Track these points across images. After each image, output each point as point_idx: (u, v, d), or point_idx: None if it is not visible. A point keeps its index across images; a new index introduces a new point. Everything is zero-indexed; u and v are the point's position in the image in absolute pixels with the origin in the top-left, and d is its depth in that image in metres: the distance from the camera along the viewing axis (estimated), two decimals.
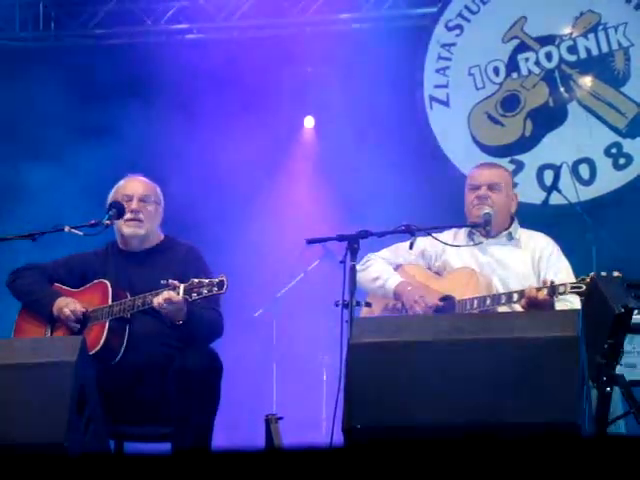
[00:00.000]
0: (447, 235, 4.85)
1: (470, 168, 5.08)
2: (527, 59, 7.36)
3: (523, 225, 4.93)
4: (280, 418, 4.52)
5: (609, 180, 7.14)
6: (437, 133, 7.47)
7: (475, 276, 4.67)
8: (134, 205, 4.71)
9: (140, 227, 4.72)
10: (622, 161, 7.16)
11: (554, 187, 6.53)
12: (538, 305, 4.41)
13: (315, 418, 6.99)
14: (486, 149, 7.40)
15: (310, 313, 7.07)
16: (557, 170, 6.63)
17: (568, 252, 4.85)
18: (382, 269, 4.83)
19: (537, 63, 7.35)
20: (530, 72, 7.37)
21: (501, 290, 4.65)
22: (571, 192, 6.59)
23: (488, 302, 4.55)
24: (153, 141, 7.43)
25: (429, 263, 4.88)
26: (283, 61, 7.65)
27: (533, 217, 5.70)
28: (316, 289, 6.98)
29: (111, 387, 4.40)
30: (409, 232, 4.50)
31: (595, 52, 7.25)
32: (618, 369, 3.84)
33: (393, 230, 4.53)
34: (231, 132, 7.42)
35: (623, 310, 3.71)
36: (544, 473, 2.53)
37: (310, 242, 4.56)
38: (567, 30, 7.29)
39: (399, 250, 4.89)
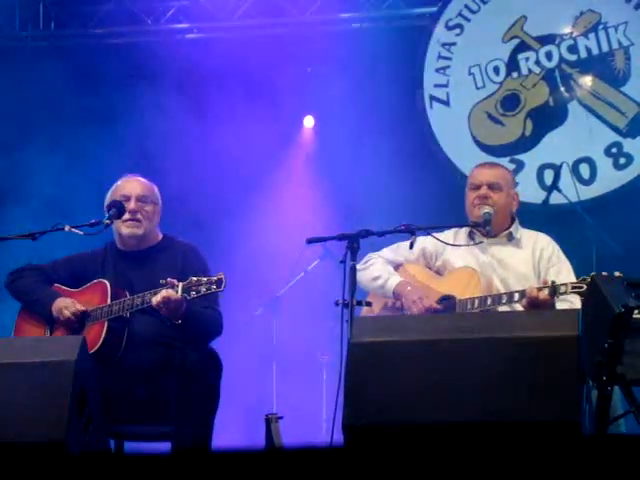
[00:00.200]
0: (447, 235, 4.84)
1: (470, 168, 5.07)
2: (527, 58, 7.36)
3: (523, 225, 4.92)
4: (280, 417, 4.52)
5: (609, 180, 7.14)
6: (437, 132, 7.47)
7: (476, 276, 4.67)
8: (132, 205, 4.71)
9: (138, 227, 4.72)
10: (622, 161, 7.16)
11: (554, 187, 6.53)
12: (539, 305, 4.41)
13: (315, 417, 6.99)
14: (486, 148, 7.40)
15: (310, 312, 7.07)
16: (557, 170, 6.63)
17: (568, 252, 4.85)
18: (382, 269, 4.83)
19: (537, 62, 7.35)
20: (530, 71, 7.37)
21: (502, 290, 4.65)
22: (571, 192, 6.59)
23: (489, 302, 4.55)
24: (153, 141, 7.42)
25: (429, 263, 4.88)
26: (283, 61, 7.64)
27: (533, 217, 5.70)
28: (316, 288, 6.98)
29: (111, 386, 4.40)
30: (409, 232, 4.50)
31: (595, 51, 7.25)
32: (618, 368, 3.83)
33: (393, 230, 4.53)
34: (230, 132, 7.42)
35: (623, 309, 3.70)
36: (544, 472, 2.53)
37: (310, 241, 4.55)
38: (567, 29, 7.29)
39: (400, 250, 4.89)
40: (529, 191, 6.98)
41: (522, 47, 7.37)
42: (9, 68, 7.82)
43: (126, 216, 4.70)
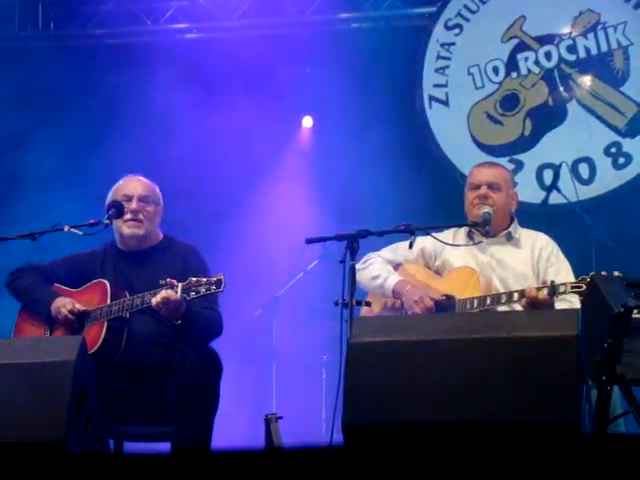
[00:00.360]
0: (447, 235, 4.84)
1: (469, 167, 5.07)
2: (526, 58, 7.36)
3: (523, 224, 4.92)
4: (280, 417, 4.52)
5: (609, 179, 7.14)
6: (436, 132, 7.47)
7: (475, 275, 4.67)
8: (134, 205, 4.71)
9: (140, 227, 4.72)
10: (621, 160, 7.16)
11: (554, 186, 6.53)
12: (538, 305, 4.41)
13: (315, 417, 6.99)
14: (485, 148, 7.40)
15: (310, 312, 7.08)
16: (557, 169, 6.63)
17: (568, 251, 4.85)
18: (382, 268, 4.83)
19: (536, 62, 7.35)
20: (529, 71, 7.37)
21: (501, 290, 4.65)
22: (571, 191, 6.59)
23: (488, 302, 4.55)
24: (152, 141, 7.42)
25: (429, 263, 4.88)
26: (282, 61, 7.64)
27: (533, 216, 5.71)
28: (316, 289, 6.99)
29: (110, 387, 4.40)
30: (409, 231, 4.50)
31: (594, 51, 7.25)
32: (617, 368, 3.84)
33: (393, 229, 4.53)
34: (229, 132, 7.42)
35: (622, 309, 3.70)
36: (544, 472, 2.53)
37: (309, 241, 4.55)
38: (566, 29, 7.29)
39: (399, 249, 4.89)
40: (528, 191, 6.98)
41: (521, 47, 7.37)
42: (9, 68, 7.81)
43: (127, 216, 4.70)
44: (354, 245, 4.35)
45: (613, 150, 7.17)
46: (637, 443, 2.55)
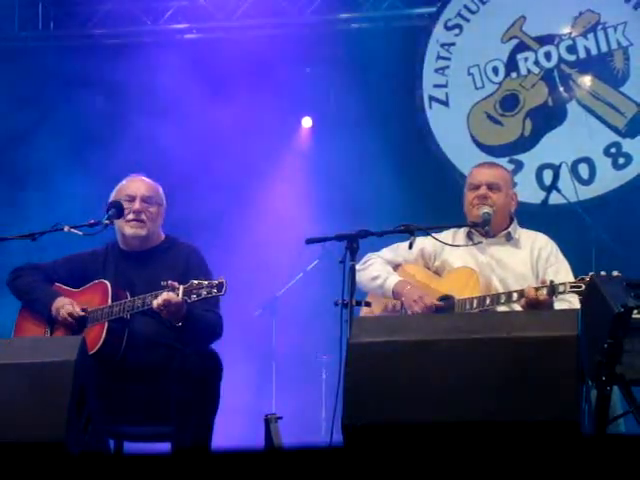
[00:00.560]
0: (446, 235, 4.84)
1: (469, 168, 5.07)
2: (526, 59, 7.36)
3: (522, 225, 4.92)
4: (279, 418, 4.52)
5: (608, 180, 7.14)
6: (436, 133, 7.47)
7: (475, 276, 4.67)
8: (137, 205, 4.71)
9: (142, 228, 4.72)
10: (621, 161, 7.16)
11: (553, 187, 6.53)
12: (538, 305, 4.41)
13: (314, 417, 6.99)
14: (485, 149, 7.40)
15: (309, 313, 7.08)
16: (556, 170, 6.63)
17: (567, 252, 4.85)
18: (381, 268, 4.83)
19: (536, 63, 7.35)
20: (529, 72, 7.37)
21: (500, 290, 4.65)
22: (570, 192, 6.59)
23: (488, 302, 4.55)
24: (152, 141, 7.42)
25: (428, 263, 4.88)
26: (282, 61, 7.65)
27: (532, 217, 5.70)
28: (315, 289, 6.99)
29: (111, 387, 4.40)
30: (408, 232, 4.49)
31: (594, 52, 7.25)
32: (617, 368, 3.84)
33: (392, 230, 4.53)
34: (229, 132, 7.42)
35: (622, 309, 3.70)
36: (544, 472, 2.53)
37: (309, 242, 4.55)
38: (566, 30, 7.30)
39: (399, 250, 4.89)
40: (528, 191, 6.98)
41: (521, 47, 7.38)
42: (8, 68, 7.81)
43: (130, 216, 4.69)
44: (354, 245, 4.35)
45: (613, 150, 7.17)
46: (637, 443, 2.55)
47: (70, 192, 7.24)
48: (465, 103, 7.47)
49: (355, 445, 3.32)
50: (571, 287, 4.43)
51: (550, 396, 3.24)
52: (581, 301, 4.39)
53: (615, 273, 4.19)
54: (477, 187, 4.79)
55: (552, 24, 7.34)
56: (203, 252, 4.83)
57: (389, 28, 7.64)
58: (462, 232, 4.85)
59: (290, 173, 7.64)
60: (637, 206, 6.90)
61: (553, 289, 4.44)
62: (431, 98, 7.52)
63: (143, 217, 4.71)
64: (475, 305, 4.57)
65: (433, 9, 7.56)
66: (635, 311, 3.73)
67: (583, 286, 4.36)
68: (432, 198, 7.01)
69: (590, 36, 7.25)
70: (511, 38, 7.40)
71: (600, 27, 7.23)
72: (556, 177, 6.55)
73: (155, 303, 4.40)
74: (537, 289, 4.45)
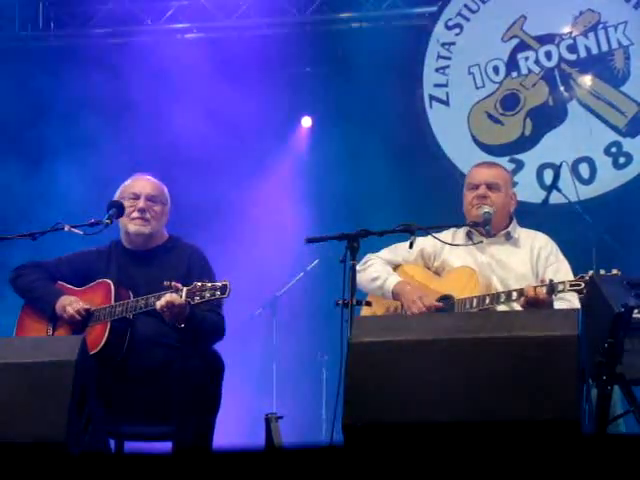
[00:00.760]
0: (446, 235, 4.84)
1: (470, 167, 5.07)
2: (527, 58, 7.37)
3: (523, 224, 4.92)
4: (280, 417, 4.52)
5: (609, 179, 7.14)
6: (437, 132, 7.48)
7: (475, 275, 4.67)
8: (141, 204, 4.71)
9: (145, 226, 4.72)
10: (622, 160, 7.16)
11: (554, 186, 6.53)
12: (537, 304, 4.41)
13: (315, 417, 6.99)
14: (486, 148, 7.40)
15: (310, 312, 7.08)
16: (557, 169, 6.62)
17: (568, 251, 4.85)
18: (381, 269, 4.82)
19: (537, 62, 7.35)
20: (530, 71, 7.37)
21: (500, 290, 4.64)
22: (571, 191, 6.58)
23: (487, 301, 4.55)
24: (152, 140, 7.42)
25: (428, 263, 4.88)
26: (282, 60, 7.65)
27: (533, 216, 5.70)
28: (316, 288, 6.99)
29: (112, 387, 4.40)
30: (409, 231, 4.49)
31: (595, 51, 7.25)
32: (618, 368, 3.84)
33: (393, 229, 4.52)
34: (229, 132, 7.42)
35: (623, 309, 3.70)
36: (544, 471, 2.53)
37: (309, 241, 4.55)
38: (567, 29, 7.30)
39: (398, 250, 4.89)
40: (529, 191, 6.98)
41: (522, 47, 7.38)
42: (9, 68, 7.81)
43: (134, 214, 4.70)
44: (354, 245, 4.35)
45: (613, 150, 7.17)
46: (637, 443, 2.55)
47: (70, 191, 7.24)
48: (465, 102, 7.47)
49: (355, 445, 3.32)
50: (570, 286, 4.43)
51: (550, 396, 3.24)
52: (581, 300, 4.39)
53: (614, 271, 4.19)
54: (476, 187, 4.79)
55: (552, 23, 7.34)
56: (204, 251, 4.83)
57: (389, 27, 7.64)
58: (462, 232, 4.84)
59: (290, 173, 7.64)
60: (637, 206, 6.90)
61: (552, 288, 4.44)
62: (431, 97, 7.52)
63: (147, 215, 4.72)
64: (475, 304, 4.57)
65: (434, 8, 7.56)
66: (636, 311, 3.73)
67: (582, 285, 4.36)
68: (432, 197, 7.00)
69: (591, 35, 7.25)
70: (512, 37, 7.40)
71: (601, 26, 7.23)
72: (556, 177, 6.54)
73: (158, 304, 4.40)
74: (536, 288, 4.45)
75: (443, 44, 7.52)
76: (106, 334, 4.53)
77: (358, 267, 4.49)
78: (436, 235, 4.72)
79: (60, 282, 4.78)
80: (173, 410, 4.40)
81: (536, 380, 3.27)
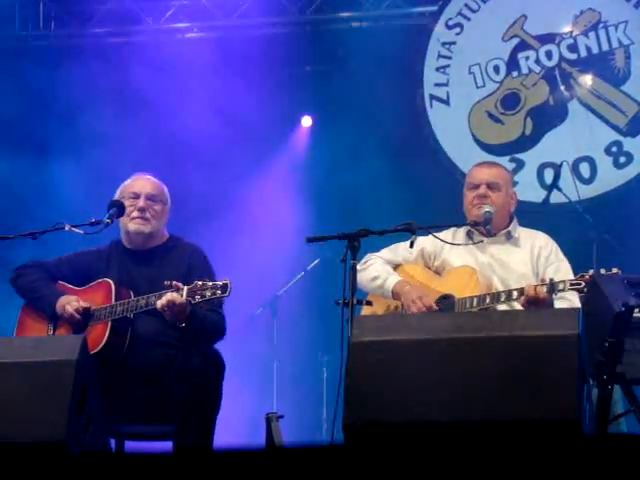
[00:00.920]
0: (446, 234, 4.84)
1: (470, 166, 5.07)
2: (527, 57, 7.36)
3: (523, 224, 4.92)
4: (281, 417, 4.52)
5: (610, 179, 7.14)
6: (437, 131, 7.47)
7: (475, 275, 4.67)
8: (141, 203, 4.72)
9: (145, 225, 4.73)
10: (622, 159, 7.16)
11: (554, 186, 6.52)
12: (538, 303, 4.41)
13: (315, 417, 6.99)
14: (486, 147, 7.40)
15: (310, 312, 7.08)
16: (557, 169, 6.62)
17: (568, 251, 4.85)
18: (381, 269, 4.82)
19: (537, 61, 7.35)
20: (530, 70, 7.37)
21: (501, 289, 4.64)
22: (571, 191, 6.58)
23: (488, 300, 4.55)
24: (152, 140, 7.42)
25: (428, 263, 4.88)
26: (282, 59, 7.65)
27: (533, 216, 5.70)
28: (316, 288, 6.99)
29: (113, 386, 4.40)
30: (409, 230, 4.49)
31: (595, 50, 7.25)
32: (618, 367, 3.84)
33: (393, 229, 4.52)
34: (230, 131, 7.42)
35: (623, 308, 3.71)
36: (545, 471, 2.53)
37: (310, 241, 4.55)
38: (567, 28, 7.29)
39: (399, 250, 4.89)
40: (529, 190, 6.98)
41: (522, 46, 7.37)
42: (9, 67, 7.81)
43: (134, 213, 4.70)
44: (355, 244, 4.34)
45: (614, 149, 7.17)
46: (638, 443, 2.55)
47: (71, 189, 7.24)
48: (466, 102, 7.46)
49: (356, 444, 3.32)
50: (571, 285, 4.43)
51: (551, 395, 3.24)
52: (582, 300, 4.40)
53: (615, 270, 4.19)
54: (477, 186, 4.79)
55: (553, 23, 7.33)
56: (204, 250, 4.83)
57: (390, 27, 7.64)
58: (462, 231, 4.84)
59: (290, 172, 7.64)
60: (638, 205, 6.90)
61: (553, 287, 4.44)
62: (432, 97, 7.51)
63: (147, 215, 4.72)
64: (475, 304, 4.57)
65: (434, 8, 7.55)
66: (636, 310, 3.74)
67: (583, 284, 4.37)
68: (433, 197, 7.00)
69: (591, 35, 7.24)
70: (512, 37, 7.39)
71: (601, 26, 7.23)
72: (557, 176, 6.54)
73: (159, 304, 4.40)
74: (537, 287, 4.45)
75: (443, 43, 7.51)
76: (107, 334, 4.53)
77: (358, 266, 4.49)
78: (436, 234, 4.72)
79: (61, 282, 4.79)
80: (174, 410, 4.40)
81: (536, 380, 3.27)
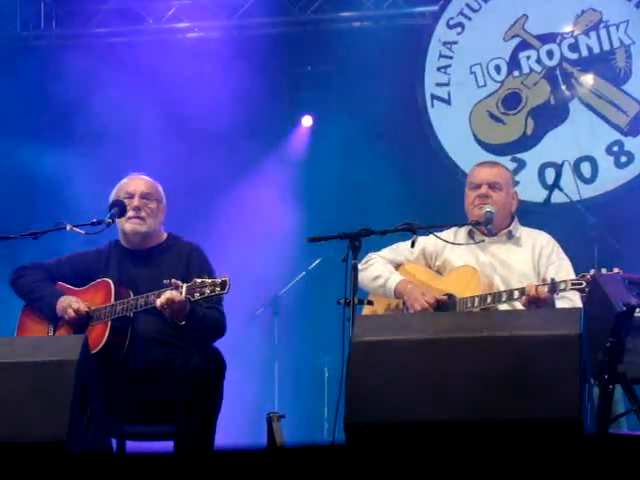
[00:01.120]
0: (447, 234, 4.84)
1: (471, 166, 5.07)
2: (528, 57, 7.36)
3: (524, 223, 4.92)
4: (282, 416, 4.52)
5: (611, 178, 7.14)
6: (438, 131, 7.47)
7: (476, 274, 4.67)
8: (136, 202, 4.72)
9: (141, 224, 4.73)
10: (624, 159, 7.16)
11: (556, 185, 6.52)
12: (539, 302, 4.41)
13: (317, 416, 6.99)
14: (487, 147, 7.40)
15: (312, 311, 7.08)
16: (559, 168, 6.62)
17: (570, 250, 4.85)
18: (383, 268, 4.82)
19: (538, 61, 7.35)
20: (531, 70, 7.37)
21: (502, 289, 4.64)
22: (573, 190, 6.58)
23: (489, 300, 4.55)
24: (152, 139, 7.42)
25: (429, 262, 4.88)
26: (283, 59, 7.65)
27: (535, 215, 5.70)
28: (317, 287, 6.99)
29: (113, 386, 4.40)
30: (410, 230, 4.49)
31: (596, 50, 7.25)
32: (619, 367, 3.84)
33: (394, 228, 4.53)
34: (231, 131, 7.42)
35: (625, 308, 3.70)
36: (546, 471, 2.53)
37: (311, 240, 4.55)
38: (568, 28, 7.29)
39: (400, 249, 4.89)
40: (530, 190, 6.98)
41: (523, 46, 7.37)
42: (10, 67, 7.81)
43: (130, 213, 4.71)
44: (356, 244, 4.35)
45: (615, 149, 7.17)
46: (639, 442, 2.55)
47: (80, 191, 7.24)
48: (467, 101, 7.46)
49: (357, 444, 3.32)
50: (572, 285, 4.43)
51: (552, 395, 3.24)
52: (583, 299, 4.40)
53: (616, 270, 4.19)
54: (478, 186, 4.79)
55: (554, 22, 7.33)
56: (205, 250, 4.83)
57: (391, 26, 7.64)
58: (463, 231, 4.84)
59: (291, 171, 7.64)
60: (639, 204, 6.89)
61: (554, 286, 4.44)
62: (433, 97, 7.51)
63: (142, 214, 4.72)
64: (476, 303, 4.57)
65: (435, 7, 7.55)
66: (637, 309, 3.74)
67: (584, 283, 4.37)
68: (434, 197, 7.00)
69: (592, 34, 7.24)
70: (513, 36, 7.39)
71: (602, 25, 7.22)
72: (558, 176, 6.54)
73: (158, 302, 4.40)
74: (538, 287, 4.45)
75: (445, 43, 7.51)
76: (107, 333, 4.53)
77: (360, 266, 4.49)
78: (438, 234, 4.73)
79: (60, 283, 4.79)
80: (174, 409, 4.40)
81: (538, 379, 3.27)
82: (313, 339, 7.12)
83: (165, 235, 4.84)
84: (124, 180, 4.85)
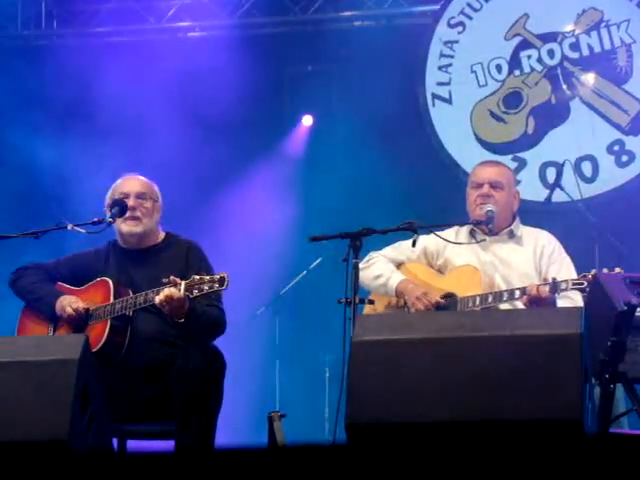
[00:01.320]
0: (449, 233, 4.84)
1: (473, 165, 5.07)
2: (529, 56, 7.36)
3: (526, 222, 4.92)
4: (283, 416, 4.52)
5: (612, 177, 7.14)
6: (439, 130, 7.47)
7: (478, 274, 4.67)
8: (131, 202, 4.72)
9: (137, 225, 4.73)
10: (625, 158, 7.16)
11: (557, 184, 6.53)
12: (540, 302, 4.41)
13: (318, 416, 6.99)
14: (488, 146, 7.40)
15: (312, 311, 7.08)
16: (560, 168, 6.62)
17: (571, 250, 4.85)
18: (384, 267, 4.83)
19: (539, 60, 7.34)
20: (532, 69, 7.37)
21: (503, 288, 4.64)
22: (574, 189, 6.59)
23: (490, 299, 4.55)
24: (156, 140, 7.42)
25: (431, 262, 4.88)
26: (283, 59, 7.65)
27: (536, 214, 5.70)
28: (318, 287, 6.99)
29: (114, 385, 4.40)
30: (411, 229, 4.50)
31: (597, 49, 7.24)
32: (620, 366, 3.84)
33: (396, 228, 4.53)
34: (231, 130, 7.42)
35: (626, 307, 3.70)
36: (547, 471, 2.53)
37: (312, 240, 4.55)
38: (569, 27, 7.29)
39: (401, 248, 4.89)
40: (531, 189, 6.98)
41: (524, 45, 7.37)
42: (10, 67, 7.82)
43: (127, 214, 4.71)
44: (357, 243, 4.35)
45: (616, 148, 7.17)
46: None
47: (80, 191, 7.24)
48: (468, 101, 7.46)
49: (358, 443, 3.32)
50: (573, 284, 4.43)
51: (553, 395, 3.24)
52: (585, 299, 4.40)
53: (617, 269, 4.19)
54: (480, 186, 4.80)
55: (555, 22, 7.33)
56: (206, 249, 4.83)
57: (392, 26, 7.64)
58: (465, 230, 4.85)
59: (291, 171, 7.64)
60: None
61: (555, 286, 4.44)
62: (434, 96, 7.51)
63: (138, 214, 4.72)
64: (478, 303, 4.57)
65: (436, 7, 7.55)
66: (638, 309, 3.73)
67: (585, 283, 4.37)
68: (435, 196, 7.00)
69: (593, 34, 7.24)
70: (514, 36, 7.39)
71: (603, 25, 7.22)
72: (559, 175, 6.54)
73: (157, 299, 4.40)
74: (539, 286, 4.45)
75: (446, 42, 7.51)
76: (106, 332, 4.53)
77: (361, 265, 4.49)
78: (439, 233, 4.73)
79: (60, 283, 4.79)
80: (175, 408, 4.40)
81: (539, 379, 3.27)
82: (314, 338, 7.12)
83: (163, 234, 4.84)
84: (119, 181, 4.84)
